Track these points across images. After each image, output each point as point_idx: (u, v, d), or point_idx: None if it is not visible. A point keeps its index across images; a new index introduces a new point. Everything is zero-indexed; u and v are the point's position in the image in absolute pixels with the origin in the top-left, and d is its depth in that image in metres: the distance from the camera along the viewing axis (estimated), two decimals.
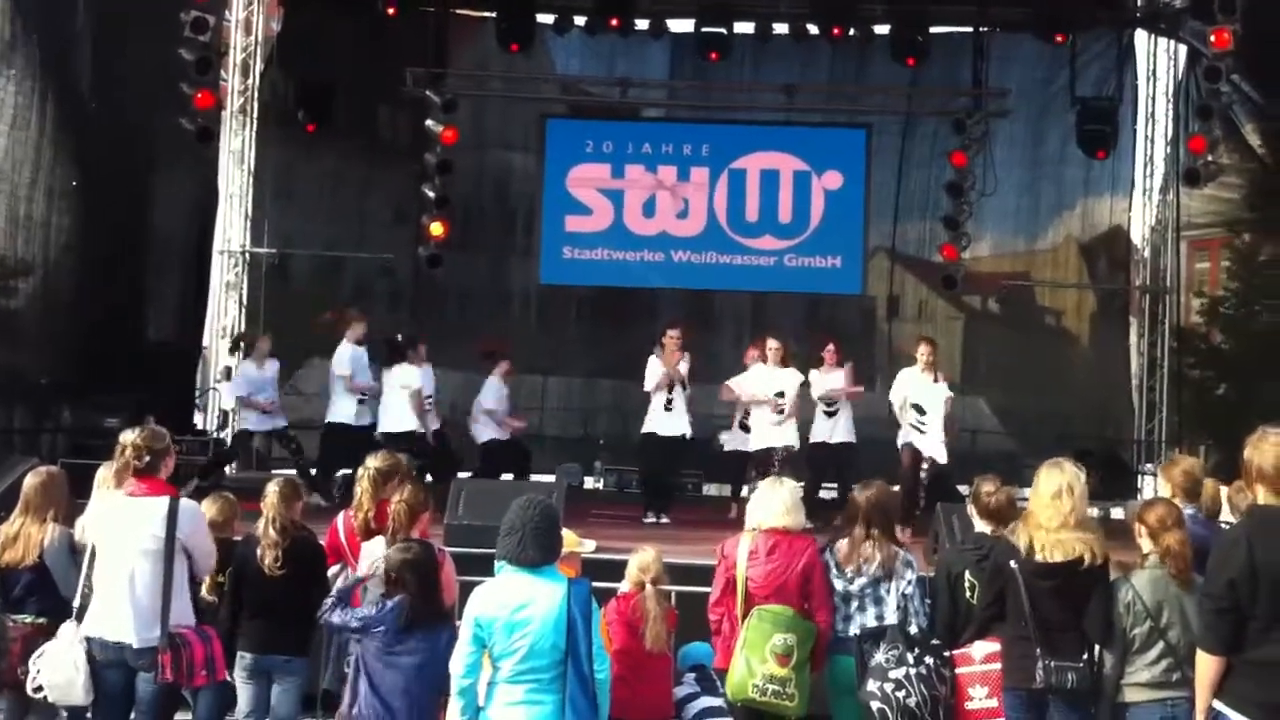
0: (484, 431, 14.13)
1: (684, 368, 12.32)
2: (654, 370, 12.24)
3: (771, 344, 12.57)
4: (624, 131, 17.90)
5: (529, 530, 5.19)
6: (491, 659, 5.19)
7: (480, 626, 5.16)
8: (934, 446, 11.79)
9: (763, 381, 12.46)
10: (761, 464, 11.90)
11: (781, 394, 12.28)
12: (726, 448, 13.85)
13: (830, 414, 12.75)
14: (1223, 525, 6.23)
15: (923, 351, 12.01)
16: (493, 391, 14.25)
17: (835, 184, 17.49)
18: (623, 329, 18.37)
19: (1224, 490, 6.76)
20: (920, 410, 11.88)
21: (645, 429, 12.43)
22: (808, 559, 6.25)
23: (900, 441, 11.92)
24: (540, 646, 5.10)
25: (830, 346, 13.12)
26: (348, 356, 12.96)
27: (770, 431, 12.22)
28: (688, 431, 12.43)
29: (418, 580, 5.81)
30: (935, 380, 11.93)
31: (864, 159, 17.55)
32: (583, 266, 17.69)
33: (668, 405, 12.23)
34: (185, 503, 6.16)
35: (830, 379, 12.81)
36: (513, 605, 5.14)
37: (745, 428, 12.93)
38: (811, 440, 12.70)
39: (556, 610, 5.12)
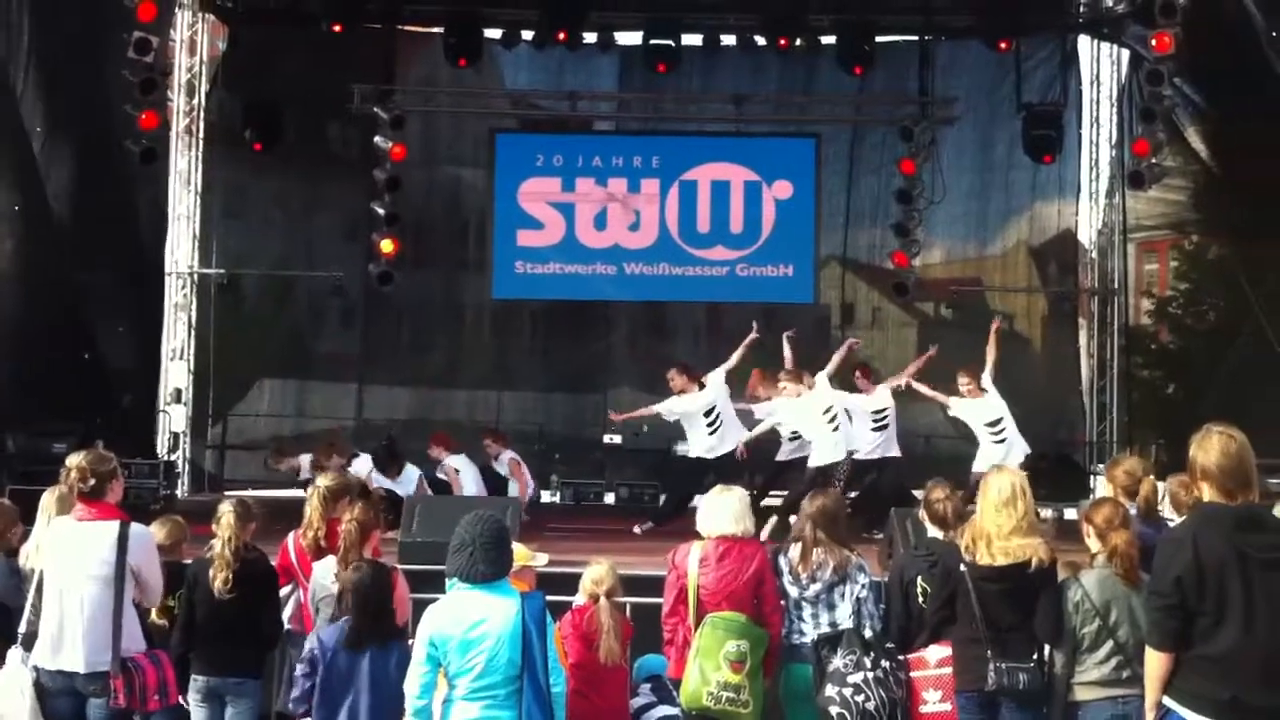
0: None
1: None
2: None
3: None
4: (574, 144, 17.93)
5: (478, 546, 5.18)
6: (447, 677, 5.16)
7: (434, 645, 5.13)
8: (1014, 454, 11.84)
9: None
10: (825, 477, 11.79)
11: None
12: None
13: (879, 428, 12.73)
14: (1166, 522, 6.28)
15: (963, 383, 12.20)
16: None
17: (786, 193, 17.57)
18: (576, 342, 18.42)
19: (1161, 486, 6.82)
20: (993, 425, 11.98)
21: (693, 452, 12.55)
22: (758, 565, 6.25)
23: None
24: (496, 662, 5.09)
25: (858, 372, 13.16)
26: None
27: (833, 448, 12.11)
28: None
29: (366, 600, 5.76)
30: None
31: (814, 168, 17.66)
32: (535, 280, 17.68)
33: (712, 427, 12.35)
34: (136, 528, 6.07)
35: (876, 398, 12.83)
36: (466, 622, 5.12)
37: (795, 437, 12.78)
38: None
39: (511, 625, 5.11)
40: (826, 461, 11.96)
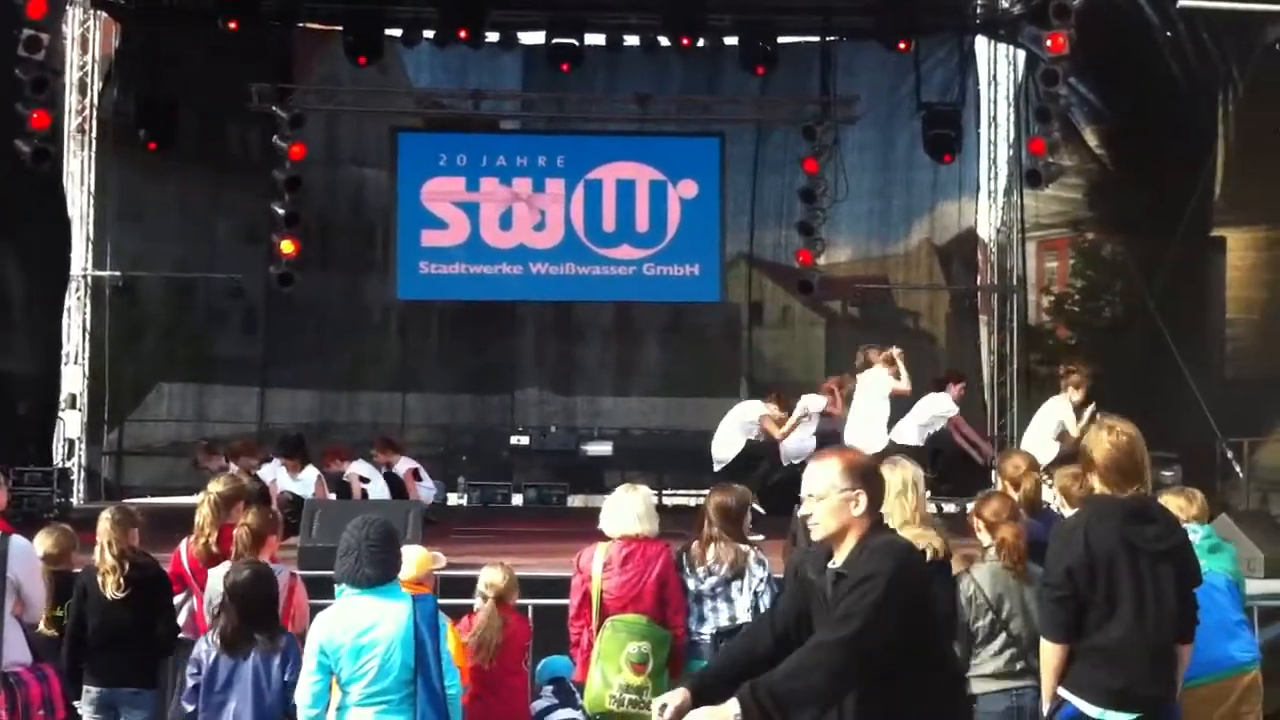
0: None
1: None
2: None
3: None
4: (478, 144, 17.86)
5: (364, 549, 5.12)
6: (340, 684, 5.10)
7: (325, 654, 5.07)
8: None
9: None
10: None
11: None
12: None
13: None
14: (1054, 515, 6.36)
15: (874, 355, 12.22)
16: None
17: (691, 192, 17.65)
18: (483, 343, 18.31)
19: (1046, 481, 6.93)
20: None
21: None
22: (662, 566, 6.24)
23: None
24: (389, 666, 5.04)
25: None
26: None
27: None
28: None
29: (244, 602, 5.64)
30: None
31: (718, 167, 17.75)
32: (440, 281, 17.55)
33: None
34: (16, 540, 5.90)
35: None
36: (357, 628, 5.06)
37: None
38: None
39: (403, 629, 5.06)
40: None
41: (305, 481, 11.80)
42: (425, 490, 13.33)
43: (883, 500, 4.16)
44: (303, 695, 5.11)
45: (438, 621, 5.20)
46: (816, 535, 4.08)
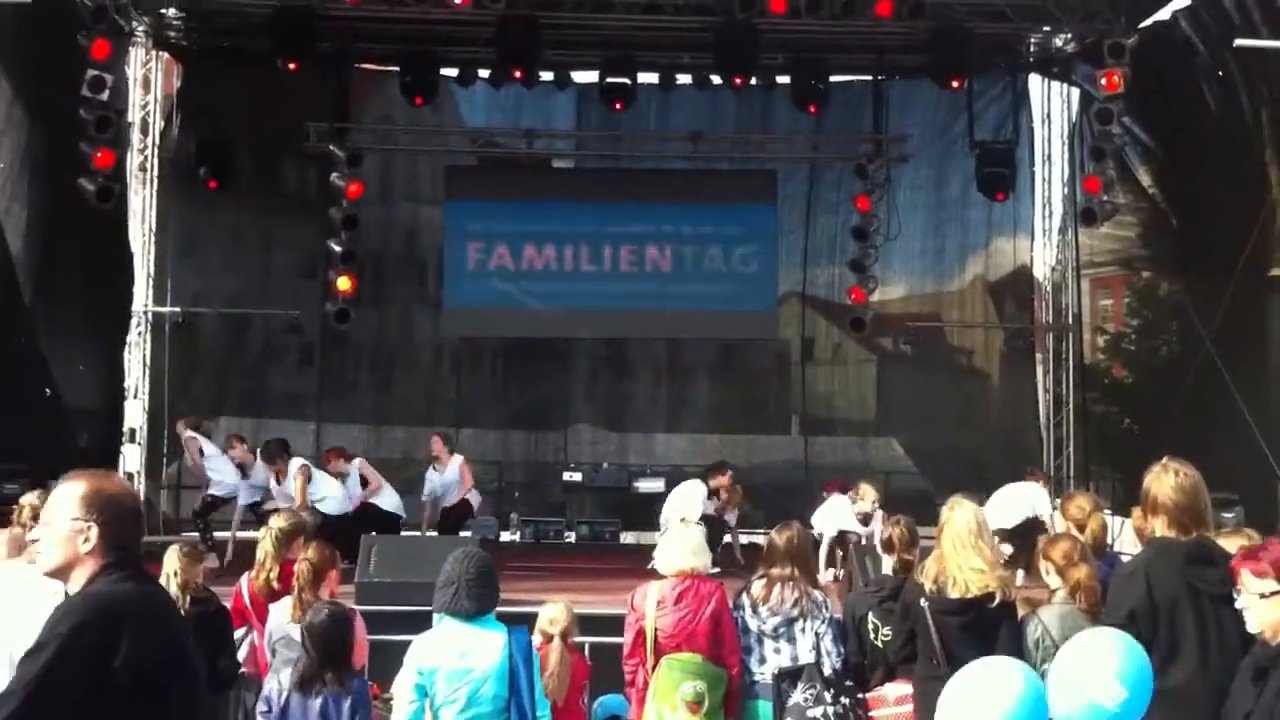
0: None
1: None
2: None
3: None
4: (532, 182, 17.96)
5: (464, 583, 5.28)
6: (432, 709, 5.22)
7: (423, 674, 5.22)
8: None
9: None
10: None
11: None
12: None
13: None
14: (1117, 556, 6.32)
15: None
16: None
17: (744, 230, 17.65)
18: (535, 380, 18.38)
19: (1117, 521, 6.88)
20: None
21: None
22: (716, 604, 6.24)
23: None
24: (482, 695, 5.19)
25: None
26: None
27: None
28: None
29: (324, 643, 5.70)
30: None
31: (772, 206, 17.75)
32: (493, 317, 17.64)
33: None
34: None
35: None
36: (454, 654, 5.21)
37: None
38: None
39: (499, 659, 5.21)
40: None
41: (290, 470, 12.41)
42: (389, 499, 13.43)
43: (126, 538, 3.43)
44: (399, 715, 5.26)
45: (531, 653, 5.37)
46: (41, 569, 3.46)
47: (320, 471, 12.85)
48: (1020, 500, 11.83)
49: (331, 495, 12.49)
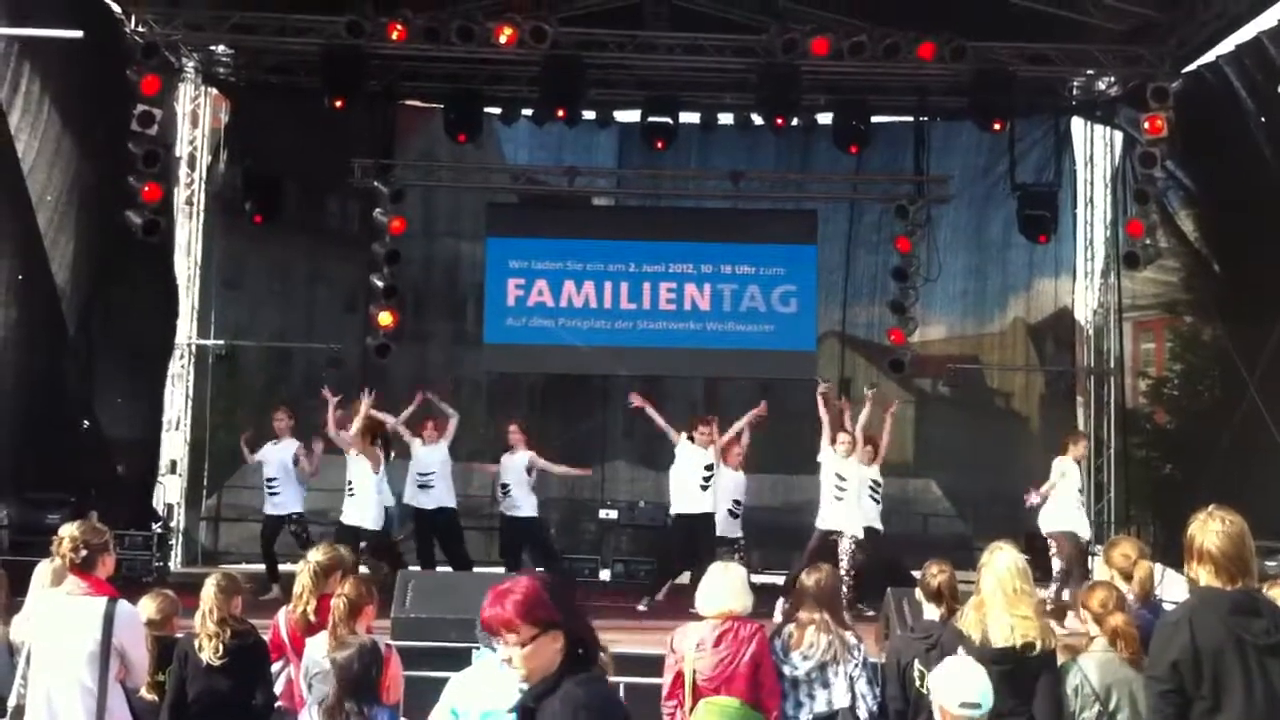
0: None
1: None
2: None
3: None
4: (573, 220, 18.03)
5: None
6: None
7: (455, 714, 5.10)
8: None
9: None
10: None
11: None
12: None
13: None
14: (1163, 606, 6.24)
15: (843, 439, 12.73)
16: None
17: (784, 269, 17.64)
18: (573, 416, 18.37)
19: (1159, 569, 6.79)
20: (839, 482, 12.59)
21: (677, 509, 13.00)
22: (756, 647, 6.19)
23: None
24: None
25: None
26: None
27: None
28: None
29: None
30: None
31: (812, 246, 17.74)
32: (533, 354, 17.68)
33: (704, 485, 12.83)
34: (122, 606, 5.98)
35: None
36: (490, 691, 5.09)
37: None
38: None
39: None
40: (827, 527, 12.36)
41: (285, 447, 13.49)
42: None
43: None
44: None
45: None
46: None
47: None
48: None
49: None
